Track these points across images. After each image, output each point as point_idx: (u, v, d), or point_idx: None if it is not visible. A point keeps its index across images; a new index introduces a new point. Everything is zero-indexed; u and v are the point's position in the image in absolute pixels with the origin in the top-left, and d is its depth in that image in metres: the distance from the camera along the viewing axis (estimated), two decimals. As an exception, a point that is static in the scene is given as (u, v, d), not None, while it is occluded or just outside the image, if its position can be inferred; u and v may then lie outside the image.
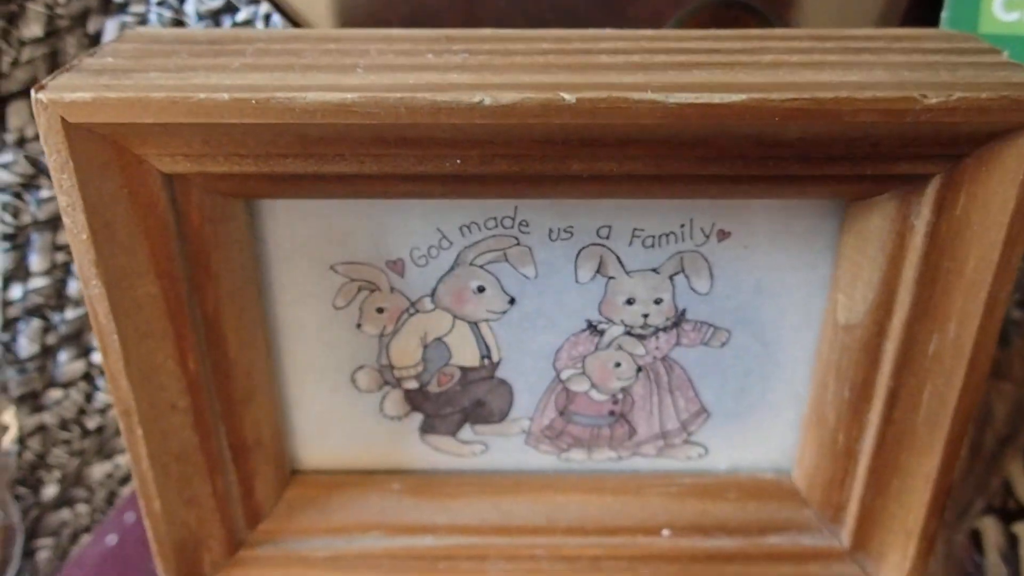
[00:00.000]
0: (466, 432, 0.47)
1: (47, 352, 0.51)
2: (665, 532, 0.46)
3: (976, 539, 0.54)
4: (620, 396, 0.45)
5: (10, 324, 0.49)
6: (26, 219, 0.47)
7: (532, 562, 0.46)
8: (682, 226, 0.40)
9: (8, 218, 0.47)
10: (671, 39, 0.37)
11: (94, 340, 0.52)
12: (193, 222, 0.36)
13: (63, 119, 0.31)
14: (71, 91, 0.31)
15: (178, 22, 0.46)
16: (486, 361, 0.44)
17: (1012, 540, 0.54)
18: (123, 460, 0.57)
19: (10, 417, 0.50)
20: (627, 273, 0.41)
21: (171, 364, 0.38)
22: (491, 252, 0.40)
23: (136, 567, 0.57)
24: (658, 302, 0.42)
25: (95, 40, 0.46)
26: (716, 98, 0.31)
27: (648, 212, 0.39)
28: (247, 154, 0.33)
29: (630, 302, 0.42)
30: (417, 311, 0.42)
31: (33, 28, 0.44)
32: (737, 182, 0.35)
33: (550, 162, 0.34)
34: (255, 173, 0.34)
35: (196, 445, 0.40)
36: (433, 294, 0.42)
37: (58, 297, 0.50)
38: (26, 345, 0.49)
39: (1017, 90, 0.32)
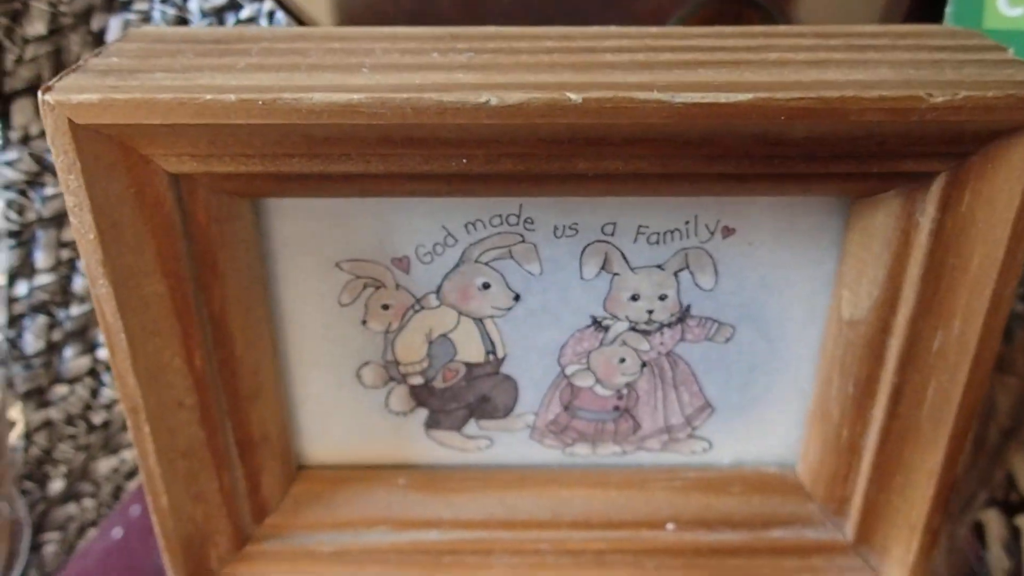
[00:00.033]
0: (471, 427, 0.47)
1: (53, 348, 0.51)
2: (669, 526, 0.47)
3: (979, 532, 0.54)
4: (624, 391, 0.46)
5: (16, 320, 0.49)
6: (31, 216, 0.47)
7: (537, 556, 0.46)
8: (687, 223, 0.40)
9: (13, 215, 0.47)
10: (675, 36, 0.37)
11: (99, 336, 0.52)
12: (199, 221, 0.36)
13: (70, 120, 0.31)
14: (78, 92, 0.31)
15: (182, 19, 0.46)
16: (491, 357, 0.44)
17: (1015, 533, 0.54)
18: (129, 455, 0.57)
19: (16, 413, 0.51)
20: (632, 269, 0.41)
21: (178, 362, 0.38)
22: (496, 249, 0.41)
23: (141, 560, 0.57)
24: (663, 298, 0.42)
25: (99, 37, 0.46)
26: (722, 98, 0.31)
27: (653, 209, 0.40)
28: (253, 154, 0.33)
29: (635, 298, 0.42)
30: (422, 308, 0.42)
31: (37, 26, 0.44)
32: (742, 180, 0.35)
33: (556, 161, 0.34)
34: (261, 173, 0.34)
35: (203, 441, 0.41)
36: (438, 291, 0.42)
37: (63, 294, 0.50)
38: (32, 341, 0.50)
39: (1022, 88, 0.32)
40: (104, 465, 0.56)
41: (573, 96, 0.31)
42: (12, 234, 0.47)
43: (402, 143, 0.33)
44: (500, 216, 0.40)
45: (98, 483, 0.56)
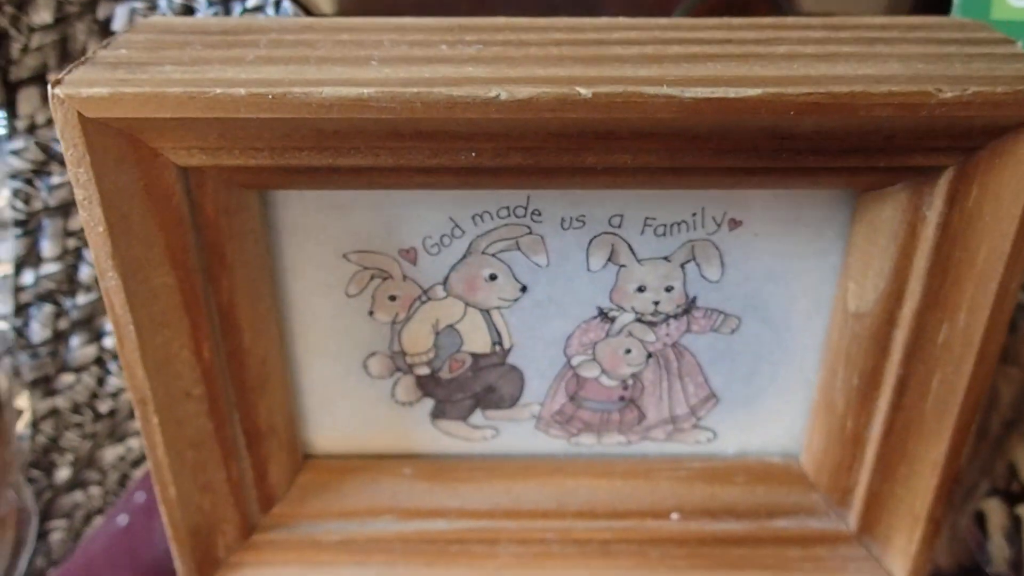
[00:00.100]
0: (477, 417, 0.47)
1: (59, 337, 0.51)
2: (674, 515, 0.47)
3: (980, 521, 0.55)
4: (630, 382, 0.46)
5: (22, 309, 0.49)
6: (37, 205, 0.47)
7: (542, 545, 0.46)
8: (693, 215, 0.40)
9: (19, 204, 0.47)
10: (684, 29, 0.37)
11: (106, 325, 0.52)
12: (208, 213, 0.36)
13: (80, 114, 0.31)
14: (88, 86, 0.31)
15: (188, 8, 0.45)
16: (497, 348, 0.44)
17: (1016, 522, 0.54)
18: (135, 443, 0.57)
19: (23, 401, 0.51)
20: (638, 261, 0.41)
21: (186, 353, 0.38)
22: (503, 241, 0.41)
23: (145, 545, 0.58)
24: (669, 290, 0.42)
25: (104, 26, 0.46)
26: (731, 93, 0.31)
27: (660, 201, 0.40)
28: (262, 147, 0.33)
29: (641, 290, 0.42)
30: (429, 299, 0.42)
31: (43, 14, 0.44)
32: (751, 173, 0.35)
33: (565, 155, 0.34)
34: (270, 166, 0.34)
35: (211, 432, 0.41)
36: (445, 282, 0.42)
37: (70, 283, 0.50)
38: (38, 330, 0.50)
39: (1031, 84, 0.32)
40: (110, 453, 0.56)
41: (583, 91, 0.31)
42: (18, 223, 0.47)
43: (411, 137, 0.33)
44: (507, 208, 0.40)
45: (104, 471, 0.57)
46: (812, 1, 0.49)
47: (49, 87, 0.31)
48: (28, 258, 0.48)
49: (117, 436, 0.56)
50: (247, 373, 0.41)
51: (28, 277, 0.49)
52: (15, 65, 0.44)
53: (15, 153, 0.46)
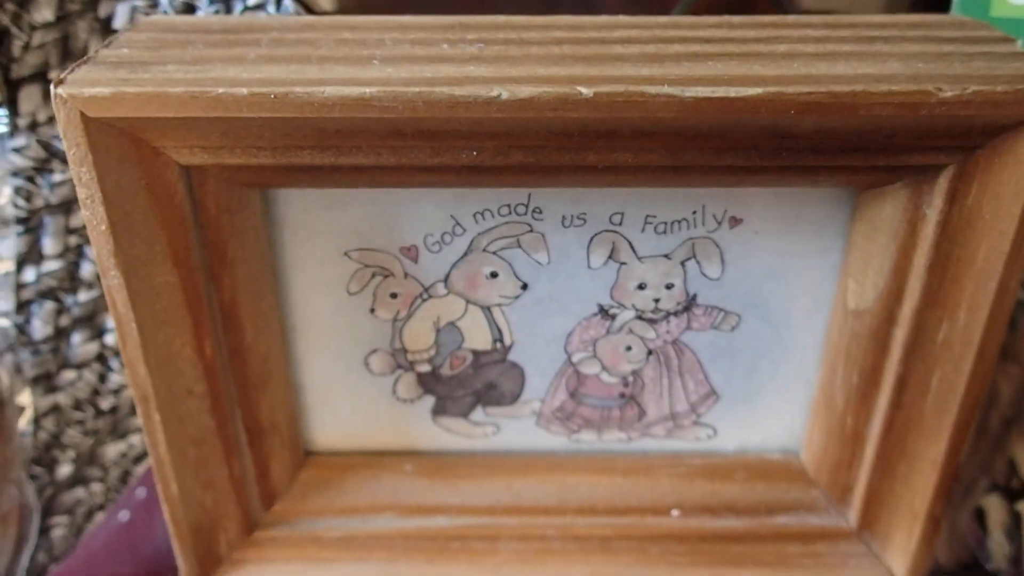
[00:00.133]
0: (478, 414, 0.47)
1: (61, 334, 0.51)
2: (674, 512, 0.47)
3: (980, 517, 0.55)
4: (630, 379, 0.46)
5: (24, 306, 0.49)
6: (39, 203, 0.47)
7: (543, 542, 0.46)
8: (694, 213, 0.40)
9: (21, 202, 0.47)
10: (685, 27, 0.37)
11: (107, 322, 0.52)
12: (210, 212, 0.36)
13: (82, 113, 0.31)
14: (90, 86, 0.31)
15: (189, 6, 0.45)
16: (498, 345, 0.44)
17: (1016, 518, 0.54)
18: (136, 440, 0.57)
19: (25, 398, 0.51)
20: (639, 259, 0.41)
21: (188, 351, 0.39)
22: (504, 239, 0.41)
23: (146, 540, 0.58)
24: (669, 287, 0.42)
25: (106, 24, 0.46)
26: (732, 92, 0.31)
27: (660, 199, 0.40)
28: (264, 146, 0.33)
29: (641, 287, 0.42)
30: (430, 296, 0.43)
31: (44, 12, 0.44)
32: (751, 172, 0.35)
33: (566, 154, 0.34)
34: (272, 165, 0.34)
35: (213, 429, 0.41)
36: (446, 280, 0.42)
37: (71, 280, 0.50)
38: (40, 327, 0.50)
39: (1031, 83, 0.32)
40: (112, 450, 0.56)
41: (584, 90, 0.31)
42: (20, 220, 0.47)
43: (413, 136, 0.33)
44: (508, 206, 0.40)
45: (106, 467, 0.57)
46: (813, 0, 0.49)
47: (52, 87, 0.31)
48: (30, 255, 0.48)
49: (119, 433, 0.56)
50: (249, 370, 0.41)
51: (30, 274, 0.49)
52: (17, 63, 0.44)
53: (17, 151, 0.46)
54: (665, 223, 0.40)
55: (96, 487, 0.57)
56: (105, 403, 0.54)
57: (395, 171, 0.35)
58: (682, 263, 0.42)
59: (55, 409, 0.52)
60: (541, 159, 0.34)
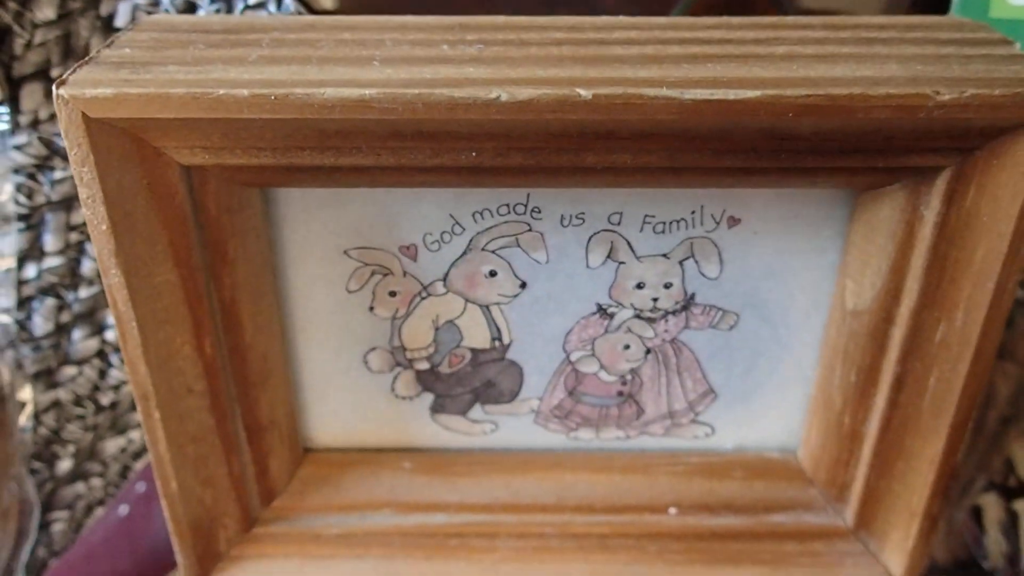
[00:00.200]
0: (476, 412, 0.47)
1: (61, 330, 0.51)
2: (672, 510, 0.47)
3: (977, 515, 0.55)
4: (629, 377, 0.46)
5: (25, 303, 0.49)
6: (40, 200, 0.47)
7: (541, 539, 0.46)
8: (693, 213, 0.40)
9: (23, 199, 0.47)
10: (684, 28, 0.37)
11: (108, 318, 0.52)
12: (210, 211, 0.36)
13: (84, 114, 0.31)
14: (92, 86, 0.31)
15: (191, 5, 0.46)
16: (497, 343, 0.44)
17: (1013, 517, 0.54)
18: (136, 435, 0.57)
19: (25, 394, 0.51)
20: (637, 258, 0.42)
21: (188, 349, 0.39)
22: (503, 238, 0.41)
23: (145, 535, 0.58)
24: (668, 286, 0.43)
25: (108, 23, 0.46)
26: (731, 94, 0.31)
27: (659, 199, 0.40)
28: (265, 147, 0.33)
29: (640, 286, 0.42)
30: (429, 295, 0.43)
31: (46, 11, 0.44)
32: (750, 173, 0.35)
33: (565, 155, 0.34)
34: (272, 165, 0.34)
35: (212, 427, 0.41)
36: (445, 278, 0.42)
37: (72, 276, 0.50)
38: (41, 323, 0.50)
39: (1029, 86, 0.32)
40: (112, 445, 0.57)
41: (583, 92, 0.31)
42: (21, 217, 0.47)
43: (412, 137, 0.33)
44: (507, 205, 0.40)
45: (106, 463, 0.57)
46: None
47: (54, 88, 0.31)
48: (31, 252, 0.48)
49: (118, 428, 0.56)
50: (248, 368, 0.41)
51: (31, 271, 0.49)
52: (18, 61, 0.45)
53: (18, 148, 0.46)
54: (664, 223, 0.40)
55: (96, 482, 0.57)
56: (105, 399, 0.55)
57: (394, 171, 0.35)
58: (680, 263, 0.42)
59: (55, 405, 0.52)
60: (540, 160, 0.34)
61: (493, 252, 0.41)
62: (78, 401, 0.53)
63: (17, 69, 0.45)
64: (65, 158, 0.47)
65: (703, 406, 0.47)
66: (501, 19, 0.37)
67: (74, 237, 0.49)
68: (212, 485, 0.43)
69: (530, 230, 0.41)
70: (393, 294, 0.43)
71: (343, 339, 0.44)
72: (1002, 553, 0.54)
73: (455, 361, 0.45)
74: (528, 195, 0.40)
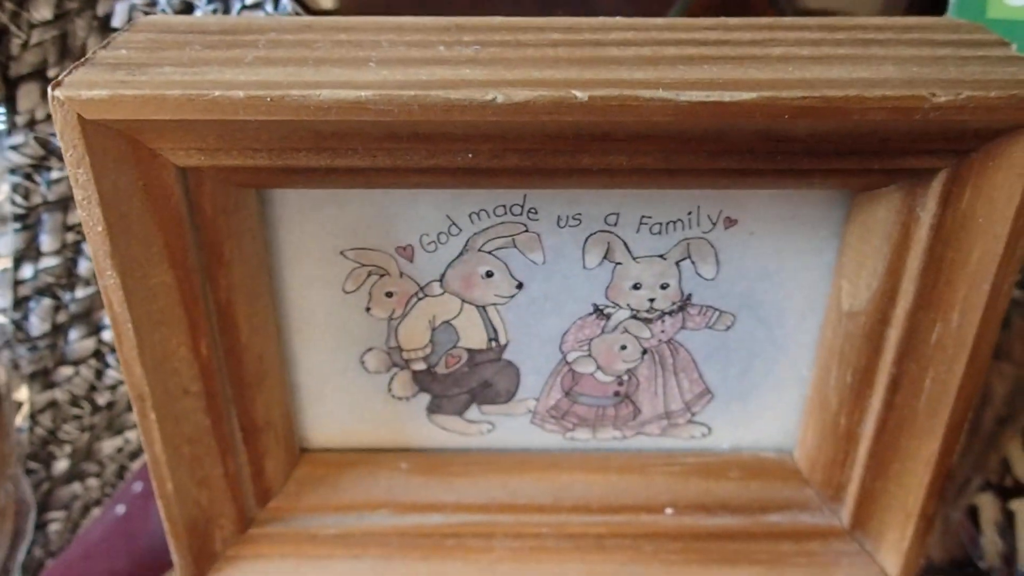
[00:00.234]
0: (473, 412, 0.47)
1: (58, 330, 0.51)
2: (668, 510, 0.47)
3: (974, 515, 0.55)
4: (625, 378, 0.46)
5: (21, 303, 0.49)
6: (37, 200, 0.47)
7: (538, 540, 0.46)
8: (689, 214, 0.40)
9: (19, 199, 0.47)
10: (680, 29, 0.37)
11: (104, 318, 0.52)
12: (206, 213, 0.36)
13: (79, 116, 0.31)
14: (88, 88, 0.31)
15: (188, 5, 0.45)
16: (493, 344, 0.44)
17: (1009, 516, 0.54)
18: (133, 435, 0.57)
19: (22, 394, 0.51)
20: (634, 259, 0.42)
21: (184, 350, 0.39)
22: (500, 238, 0.41)
23: (142, 534, 0.58)
24: (664, 287, 0.43)
25: (104, 23, 0.46)
26: (727, 96, 0.31)
27: (656, 200, 0.40)
28: (261, 148, 0.33)
29: (636, 287, 0.42)
30: (426, 295, 0.43)
31: (43, 11, 0.44)
32: (745, 175, 0.35)
33: (561, 156, 0.34)
34: (268, 166, 0.34)
35: (208, 428, 0.41)
36: (442, 279, 0.42)
37: (68, 276, 0.50)
38: (37, 324, 0.50)
39: (1025, 88, 0.32)
40: (108, 445, 0.57)
41: (579, 94, 0.31)
42: (18, 217, 0.47)
43: (408, 138, 0.33)
44: (504, 206, 0.40)
45: (102, 463, 0.57)
46: (810, -1, 0.49)
47: (49, 89, 0.31)
48: (27, 252, 0.48)
49: (115, 428, 0.56)
50: (244, 369, 0.41)
51: (27, 271, 0.49)
52: (15, 61, 0.45)
53: (15, 148, 0.46)
54: (660, 224, 0.40)
55: (92, 482, 0.57)
56: (101, 399, 0.55)
57: (390, 173, 0.35)
58: (677, 263, 0.42)
59: (52, 405, 0.52)
60: (536, 162, 0.34)
61: (490, 253, 0.41)
62: (74, 401, 0.53)
63: (13, 69, 0.45)
64: (62, 158, 0.47)
65: (699, 406, 0.47)
66: (497, 20, 0.37)
67: (71, 237, 0.49)
68: (208, 486, 0.43)
69: (527, 231, 0.41)
70: (390, 295, 0.43)
71: (339, 340, 0.44)
72: (998, 553, 0.54)
73: (452, 362, 0.45)
74: (525, 196, 0.40)
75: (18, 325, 0.49)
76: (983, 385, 0.52)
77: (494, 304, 0.43)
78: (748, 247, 0.41)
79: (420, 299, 0.43)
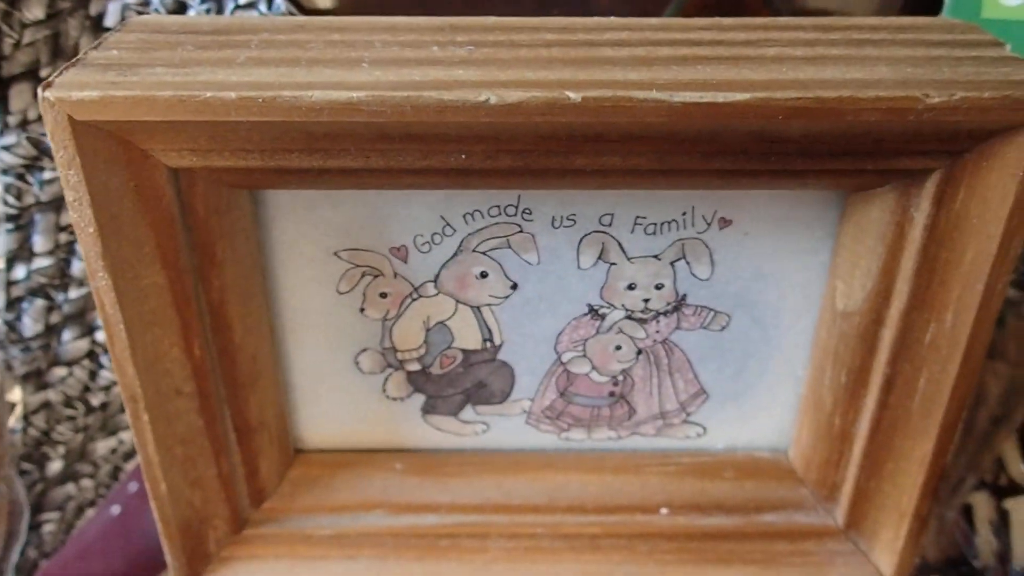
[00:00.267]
0: (468, 412, 0.47)
1: (51, 331, 0.51)
2: (663, 510, 0.47)
3: (968, 514, 0.55)
4: (620, 378, 0.46)
5: (14, 304, 0.49)
6: (29, 200, 0.47)
7: (532, 540, 0.46)
8: (684, 214, 0.40)
9: (11, 199, 0.47)
10: (675, 29, 0.37)
11: (97, 319, 0.52)
12: (198, 213, 0.36)
13: (70, 117, 0.31)
14: (78, 89, 0.31)
15: (181, 5, 0.45)
16: (488, 344, 0.44)
17: (1003, 515, 0.54)
18: (127, 436, 0.57)
19: (15, 395, 0.51)
20: (629, 259, 0.41)
21: (177, 351, 0.38)
22: (494, 239, 0.41)
23: (137, 534, 0.58)
24: (659, 287, 0.42)
25: (97, 22, 0.46)
26: (720, 97, 0.31)
27: (650, 200, 0.40)
28: (253, 149, 0.33)
29: (631, 287, 0.42)
30: (420, 296, 0.43)
31: (35, 10, 0.44)
32: (740, 175, 0.35)
33: (554, 157, 0.34)
34: (260, 167, 0.34)
35: (201, 429, 0.41)
36: (436, 279, 0.42)
37: (61, 277, 0.50)
38: (30, 324, 0.50)
39: (1019, 89, 0.32)
40: (102, 446, 0.57)
41: (572, 95, 0.31)
42: (10, 218, 0.47)
43: (401, 139, 0.33)
44: (498, 207, 0.40)
45: (96, 464, 0.57)
46: (804, -2, 0.49)
47: (40, 90, 0.31)
48: (20, 253, 0.48)
49: (109, 429, 0.56)
50: (238, 370, 0.41)
51: (20, 271, 0.49)
52: (7, 61, 0.44)
53: (7, 148, 0.46)
54: (655, 224, 0.40)
55: (86, 483, 0.57)
56: (95, 399, 0.55)
57: (384, 173, 0.35)
58: (672, 264, 0.42)
59: (45, 406, 0.52)
60: (530, 162, 0.34)
61: (484, 253, 0.41)
62: (68, 402, 0.53)
63: (6, 69, 0.44)
64: (54, 159, 0.47)
65: (694, 406, 0.47)
66: (491, 20, 0.37)
67: (64, 238, 0.49)
68: (201, 487, 0.43)
69: (521, 231, 0.40)
70: (384, 295, 0.43)
71: (334, 340, 0.44)
72: (993, 552, 0.54)
73: (446, 362, 0.45)
74: (519, 196, 0.39)
75: (11, 326, 0.49)
76: (977, 385, 0.52)
77: (488, 305, 0.43)
78: (743, 247, 0.41)
79: (414, 300, 0.43)
